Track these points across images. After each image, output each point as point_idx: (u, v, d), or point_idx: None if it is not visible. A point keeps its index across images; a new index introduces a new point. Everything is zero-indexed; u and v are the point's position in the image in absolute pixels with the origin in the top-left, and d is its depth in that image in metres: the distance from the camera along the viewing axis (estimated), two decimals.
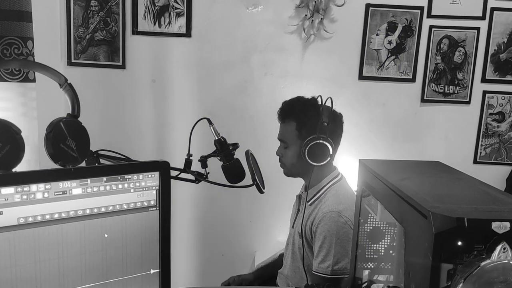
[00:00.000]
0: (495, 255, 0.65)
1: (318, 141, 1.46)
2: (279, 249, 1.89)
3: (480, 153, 2.48)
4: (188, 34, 2.42)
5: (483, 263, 0.65)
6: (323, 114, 1.51)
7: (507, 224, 0.65)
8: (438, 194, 0.82)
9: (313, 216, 1.59)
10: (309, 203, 1.64)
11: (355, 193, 1.64)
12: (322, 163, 1.48)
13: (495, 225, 0.65)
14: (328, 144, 1.46)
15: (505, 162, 2.48)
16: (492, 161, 2.48)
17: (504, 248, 0.65)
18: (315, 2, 2.33)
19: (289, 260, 1.72)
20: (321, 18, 2.36)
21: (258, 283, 1.89)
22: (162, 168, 0.99)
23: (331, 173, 1.66)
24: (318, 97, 1.61)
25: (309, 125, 1.56)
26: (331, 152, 1.47)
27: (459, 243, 0.65)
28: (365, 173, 1.06)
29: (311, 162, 1.47)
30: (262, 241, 2.56)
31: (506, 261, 0.65)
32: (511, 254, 0.65)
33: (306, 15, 2.36)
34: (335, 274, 1.51)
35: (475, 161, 2.48)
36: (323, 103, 1.54)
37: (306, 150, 1.47)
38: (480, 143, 2.47)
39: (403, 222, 0.81)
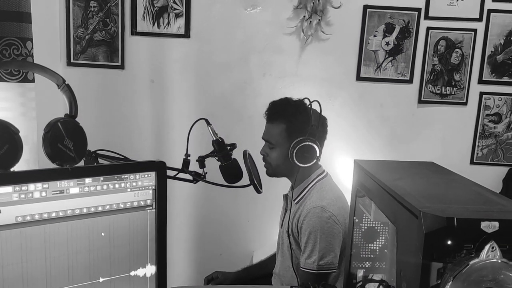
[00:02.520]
0: (483, 254, 0.66)
1: (306, 143, 1.49)
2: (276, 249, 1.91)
3: (477, 154, 2.49)
4: (187, 34, 2.43)
5: (472, 262, 0.66)
6: (312, 117, 1.54)
7: (496, 223, 0.66)
8: (430, 194, 0.83)
9: (298, 213, 1.62)
10: (295, 201, 1.67)
11: (343, 189, 1.67)
12: (308, 165, 1.51)
13: (484, 225, 0.67)
14: (315, 146, 1.49)
15: (502, 163, 2.49)
16: (489, 162, 2.49)
17: (493, 247, 0.66)
18: (313, 3, 2.34)
19: (280, 260, 1.75)
20: (319, 19, 2.37)
21: (241, 283, 1.91)
22: (159, 168, 1.01)
23: (315, 171, 1.68)
24: (304, 99, 1.63)
25: (299, 128, 1.58)
26: (317, 154, 1.50)
27: (449, 242, 0.66)
28: (360, 174, 1.08)
29: (298, 163, 1.49)
30: (260, 241, 2.57)
31: (495, 260, 0.66)
32: (499, 253, 0.66)
33: (304, 16, 2.38)
34: (321, 269, 1.53)
35: (471, 162, 2.50)
36: (311, 106, 1.57)
37: (294, 152, 1.49)
38: (476, 144, 2.48)
39: (395, 221, 0.82)
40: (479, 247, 0.66)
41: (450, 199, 0.81)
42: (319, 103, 1.54)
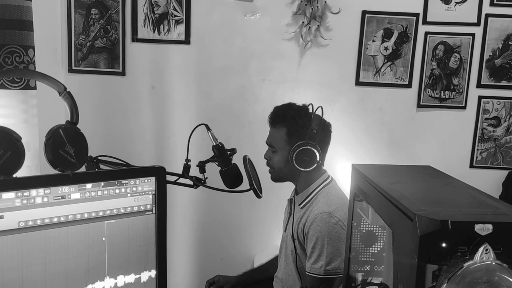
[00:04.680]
0: (478, 256, 0.67)
1: (305, 147, 1.50)
2: (277, 252, 1.91)
3: (476, 157, 2.50)
4: (187, 41, 2.45)
5: (466, 264, 0.67)
6: (314, 122, 1.55)
7: (489, 226, 0.67)
8: (425, 197, 0.84)
9: (304, 218, 1.62)
10: (300, 206, 1.67)
11: (346, 194, 1.68)
12: (308, 169, 1.51)
13: (478, 227, 0.67)
14: (315, 151, 1.50)
15: (501, 166, 2.49)
16: (488, 165, 2.50)
17: (486, 250, 0.67)
18: (312, 9, 2.37)
19: (283, 264, 1.75)
20: (318, 25, 2.39)
21: (242, 287, 1.92)
22: (158, 173, 1.02)
23: (320, 177, 1.69)
24: (309, 105, 1.65)
25: (299, 132, 1.59)
26: (318, 159, 1.51)
27: (443, 244, 0.67)
28: (357, 178, 1.09)
29: (297, 167, 1.50)
30: (261, 245, 2.57)
31: (489, 262, 0.67)
32: (493, 255, 0.67)
33: (303, 22, 2.40)
34: (328, 274, 1.54)
35: (471, 166, 2.50)
36: (314, 112, 1.58)
37: (294, 156, 1.50)
38: (476, 147, 2.49)
39: (392, 224, 0.83)
40: (473, 250, 0.67)
41: (445, 202, 0.82)
42: (322, 109, 1.55)
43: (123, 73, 2.48)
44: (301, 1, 2.37)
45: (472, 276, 0.67)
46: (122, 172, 1.04)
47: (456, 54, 2.42)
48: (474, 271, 0.67)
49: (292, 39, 2.44)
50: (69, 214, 0.93)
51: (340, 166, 2.29)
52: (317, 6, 2.36)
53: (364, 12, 2.40)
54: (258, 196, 1.39)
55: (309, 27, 2.39)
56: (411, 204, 0.75)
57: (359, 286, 1.15)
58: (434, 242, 0.67)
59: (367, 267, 1.15)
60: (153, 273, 1.04)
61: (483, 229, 0.67)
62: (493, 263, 0.67)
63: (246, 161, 1.42)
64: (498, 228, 0.67)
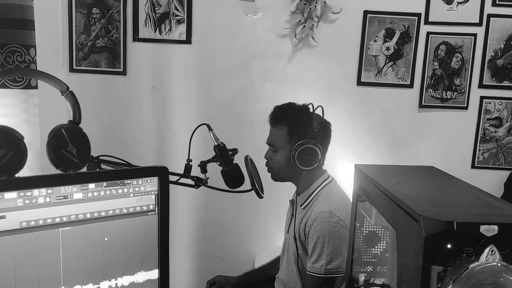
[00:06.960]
0: (483, 257, 0.67)
1: (307, 145, 1.49)
2: (278, 253, 1.91)
3: (478, 158, 2.49)
4: (188, 41, 2.45)
5: (471, 265, 0.66)
6: (315, 121, 1.54)
7: (495, 227, 0.67)
8: (429, 198, 0.83)
9: (306, 218, 1.62)
10: (301, 207, 1.67)
11: (347, 194, 1.67)
12: (310, 168, 1.51)
13: (483, 228, 0.67)
14: (317, 149, 1.50)
15: (503, 167, 2.49)
16: (490, 166, 2.49)
17: (492, 251, 0.67)
18: (310, 9, 2.35)
19: (285, 265, 1.75)
20: (313, 25, 2.38)
21: (243, 287, 1.92)
22: (161, 173, 1.02)
23: (321, 176, 1.69)
24: (309, 104, 1.65)
25: (300, 131, 1.59)
26: (319, 157, 1.50)
27: (449, 246, 0.67)
28: (360, 178, 1.08)
29: (299, 166, 1.50)
30: (262, 245, 2.57)
31: (494, 263, 0.67)
32: (499, 257, 0.67)
33: (299, 21, 2.38)
34: (328, 273, 1.54)
35: (473, 166, 2.50)
36: (314, 111, 1.58)
37: (296, 154, 1.49)
38: (477, 148, 2.49)
39: (396, 225, 0.83)
40: (478, 251, 0.67)
41: (450, 203, 0.82)
42: (322, 108, 1.55)
43: (124, 73, 2.47)
44: (300, 1, 2.36)
45: (477, 277, 0.66)
46: (125, 172, 1.04)
47: (458, 54, 2.42)
48: (480, 272, 0.67)
49: (294, 39, 2.43)
50: (71, 214, 0.93)
51: (341, 166, 2.29)
52: (316, 6, 2.36)
53: (365, 12, 2.39)
54: (260, 196, 1.39)
55: (311, 26, 2.39)
56: (415, 205, 0.74)
57: (361, 286, 1.15)
58: (439, 243, 0.67)
59: (370, 268, 1.14)
60: (155, 273, 1.04)
61: (488, 230, 0.67)
62: (499, 265, 0.67)
63: (248, 161, 1.42)
64: (503, 229, 0.67)
